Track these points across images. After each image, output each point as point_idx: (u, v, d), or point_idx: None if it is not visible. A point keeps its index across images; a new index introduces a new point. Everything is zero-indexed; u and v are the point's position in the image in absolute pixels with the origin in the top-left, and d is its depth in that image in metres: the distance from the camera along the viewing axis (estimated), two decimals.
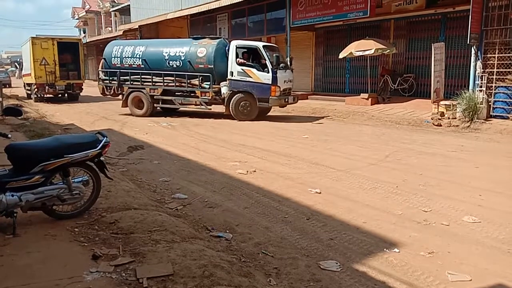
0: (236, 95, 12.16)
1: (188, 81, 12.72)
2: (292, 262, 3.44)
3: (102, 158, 4.09)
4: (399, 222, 4.31)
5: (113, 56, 14.11)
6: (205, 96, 12.63)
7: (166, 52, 13.03)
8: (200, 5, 20.08)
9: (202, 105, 12.85)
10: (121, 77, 13.90)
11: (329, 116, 13.08)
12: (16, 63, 45.57)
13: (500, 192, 5.24)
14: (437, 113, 11.12)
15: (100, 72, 14.78)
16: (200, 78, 12.52)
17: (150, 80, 13.34)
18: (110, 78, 14.25)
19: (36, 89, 19.11)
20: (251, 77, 11.89)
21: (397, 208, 4.69)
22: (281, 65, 11.97)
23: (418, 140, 8.82)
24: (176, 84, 12.99)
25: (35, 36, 19.41)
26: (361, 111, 12.91)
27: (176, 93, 13.29)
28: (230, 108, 12.31)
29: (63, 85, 19.33)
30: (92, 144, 3.95)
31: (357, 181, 5.82)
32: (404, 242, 3.82)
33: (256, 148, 8.17)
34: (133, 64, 13.68)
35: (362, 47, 13.42)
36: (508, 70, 10.20)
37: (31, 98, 20.17)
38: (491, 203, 4.82)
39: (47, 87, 18.86)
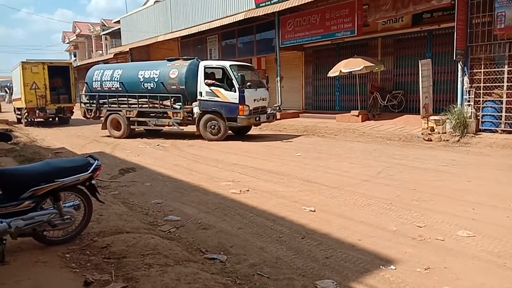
0: (206, 115, 12.17)
1: (160, 102, 12.80)
2: (288, 283, 3.39)
3: (93, 182, 4.05)
4: (394, 238, 4.29)
5: (94, 80, 14.27)
6: (177, 116, 12.68)
7: (141, 75, 13.16)
8: (191, 27, 20.33)
9: (174, 125, 12.89)
10: (100, 100, 14.05)
11: (320, 133, 13.16)
12: (6, 88, 45.48)
13: (493, 205, 5.26)
14: (427, 128, 11.24)
15: (83, 96, 14.97)
16: (172, 99, 12.61)
17: (126, 102, 13.46)
18: (91, 101, 14.41)
19: (26, 114, 19.04)
20: (219, 97, 11.88)
21: (392, 224, 4.68)
22: (248, 83, 11.84)
23: (410, 156, 8.88)
24: (150, 105, 13.07)
25: (25, 60, 19.43)
26: (352, 128, 13.00)
27: (151, 115, 13.37)
28: (199, 128, 12.32)
29: (53, 109, 19.32)
30: (83, 168, 3.91)
31: (350, 198, 5.81)
32: (400, 259, 3.79)
33: (249, 167, 8.15)
34: (112, 87, 13.82)
35: (351, 66, 13.62)
36: (494, 84, 10.40)
37: (22, 123, 20.06)
38: (484, 216, 4.83)
39: (37, 111, 18.83)
